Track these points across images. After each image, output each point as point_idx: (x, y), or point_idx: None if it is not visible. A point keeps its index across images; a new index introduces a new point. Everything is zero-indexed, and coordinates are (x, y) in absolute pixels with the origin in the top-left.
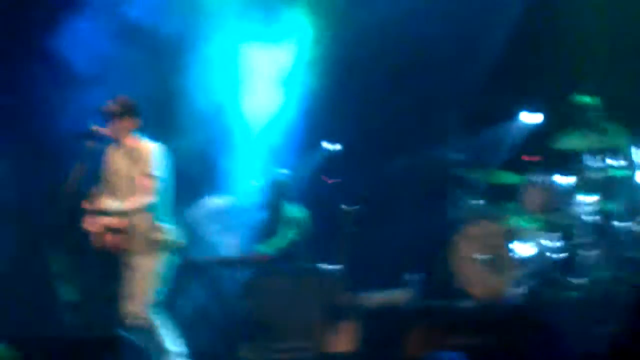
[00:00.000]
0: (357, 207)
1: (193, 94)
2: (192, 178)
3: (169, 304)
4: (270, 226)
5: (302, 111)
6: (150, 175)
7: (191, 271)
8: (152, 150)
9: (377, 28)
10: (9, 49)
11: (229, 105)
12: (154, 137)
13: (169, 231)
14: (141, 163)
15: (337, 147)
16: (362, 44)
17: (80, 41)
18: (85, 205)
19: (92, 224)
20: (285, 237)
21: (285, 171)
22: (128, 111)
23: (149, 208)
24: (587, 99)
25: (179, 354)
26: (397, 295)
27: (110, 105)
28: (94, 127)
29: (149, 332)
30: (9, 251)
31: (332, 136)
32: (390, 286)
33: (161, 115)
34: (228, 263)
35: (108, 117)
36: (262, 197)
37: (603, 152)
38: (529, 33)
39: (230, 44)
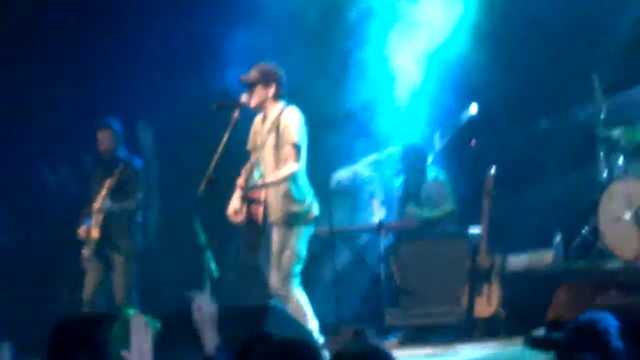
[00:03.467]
0: (496, 169)
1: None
2: (335, 146)
3: (312, 274)
4: (414, 191)
5: (446, 76)
6: (293, 145)
7: (335, 240)
8: (295, 118)
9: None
10: None
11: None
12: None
13: (307, 202)
14: (283, 132)
15: (478, 110)
16: (506, 4)
17: None
18: (239, 182)
19: (236, 202)
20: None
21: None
22: (269, 79)
23: (291, 178)
24: None
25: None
26: (542, 257)
27: (251, 74)
28: (241, 97)
29: (289, 304)
30: (154, 225)
31: (476, 99)
32: (535, 248)
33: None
34: (371, 230)
35: (249, 86)
36: (402, 163)
37: None
38: None
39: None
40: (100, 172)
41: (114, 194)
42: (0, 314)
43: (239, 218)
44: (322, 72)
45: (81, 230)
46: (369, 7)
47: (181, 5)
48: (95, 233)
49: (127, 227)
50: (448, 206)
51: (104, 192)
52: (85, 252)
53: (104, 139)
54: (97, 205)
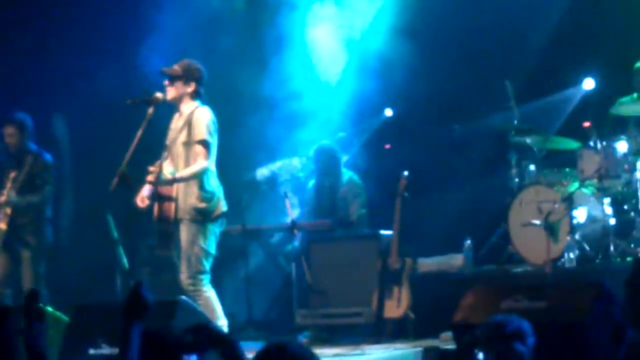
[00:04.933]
0: (409, 172)
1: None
2: (248, 146)
3: (222, 273)
4: (327, 192)
5: (361, 77)
6: (202, 141)
7: (247, 238)
8: (206, 115)
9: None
10: None
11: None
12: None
13: (215, 199)
14: (195, 128)
15: (393, 112)
16: (426, 9)
17: None
18: (148, 178)
19: (145, 192)
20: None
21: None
22: (191, 75)
23: (199, 175)
24: None
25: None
26: (453, 261)
27: (174, 68)
28: (156, 94)
29: (198, 301)
30: (67, 219)
31: (391, 103)
32: (446, 252)
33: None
34: (283, 229)
35: (170, 79)
36: (314, 164)
37: None
38: None
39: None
40: (8, 166)
41: (22, 187)
42: None
43: (144, 204)
44: (246, 61)
45: None
46: None
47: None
48: (2, 226)
49: (35, 221)
50: (357, 211)
51: (9, 185)
52: None
53: (10, 134)
54: (2, 198)
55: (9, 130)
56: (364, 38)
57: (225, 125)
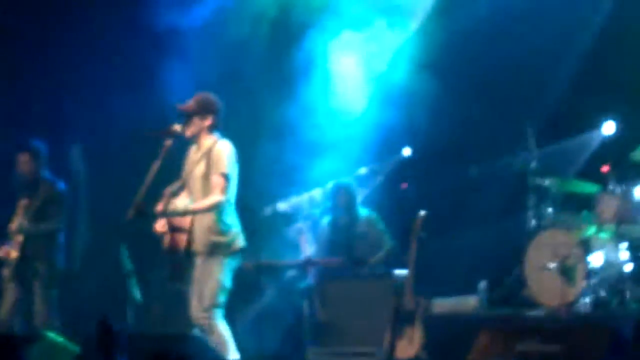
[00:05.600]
0: (426, 212)
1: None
2: (268, 179)
3: (235, 307)
4: (344, 230)
5: (384, 109)
6: (221, 174)
7: (261, 273)
8: (225, 148)
9: (461, 34)
10: None
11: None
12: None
13: (232, 233)
14: (214, 162)
15: (411, 152)
16: (451, 46)
17: None
18: (159, 206)
19: (160, 224)
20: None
21: (362, 171)
22: (206, 109)
23: (216, 208)
24: None
25: None
26: (467, 302)
27: (189, 103)
28: (173, 126)
29: (210, 335)
30: (81, 248)
31: (410, 141)
32: (460, 292)
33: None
34: (297, 266)
35: (186, 116)
36: (330, 201)
37: None
38: (612, 42)
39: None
40: (22, 194)
41: (34, 215)
42: None
43: (165, 243)
44: (269, 87)
45: (1, 251)
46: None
47: (122, 26)
48: (13, 254)
49: (46, 250)
50: (387, 244)
51: (21, 212)
52: (5, 272)
53: (24, 162)
54: (14, 225)
55: (24, 157)
56: (388, 70)
57: (245, 153)
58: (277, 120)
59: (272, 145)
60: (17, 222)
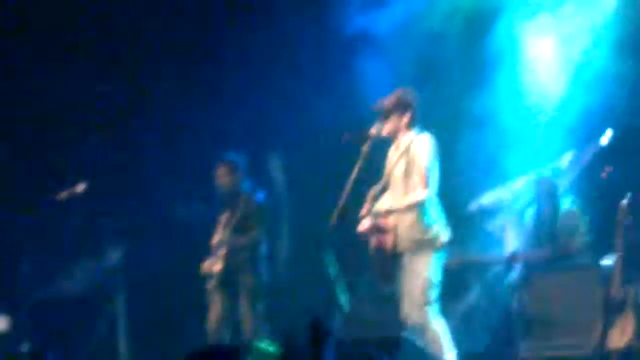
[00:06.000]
0: (631, 197)
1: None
2: (471, 170)
3: (443, 304)
4: (547, 224)
5: (584, 95)
6: (422, 170)
7: (466, 271)
8: (425, 143)
9: None
10: None
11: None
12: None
13: (436, 228)
14: (414, 158)
15: (611, 137)
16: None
17: None
18: (363, 209)
19: (363, 226)
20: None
21: (564, 160)
22: (405, 107)
23: (418, 205)
24: None
25: (455, 357)
26: None
27: (388, 101)
28: (370, 129)
29: (426, 333)
30: (285, 259)
31: (611, 125)
32: None
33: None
34: (503, 261)
35: (383, 115)
36: (534, 195)
37: None
38: None
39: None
40: (223, 207)
41: (236, 228)
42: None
43: (371, 244)
44: (465, 79)
45: (205, 264)
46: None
47: (313, 32)
48: (217, 267)
49: (250, 261)
50: (582, 238)
51: (223, 226)
52: (210, 285)
53: (221, 175)
54: (217, 239)
55: (221, 171)
56: (586, 53)
57: (446, 146)
58: (476, 110)
59: (472, 135)
60: (219, 235)
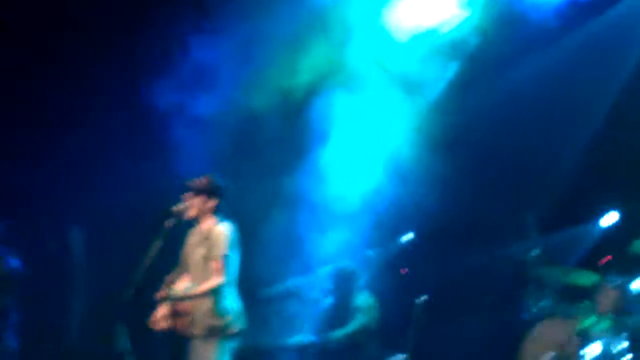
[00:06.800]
0: (427, 298)
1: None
2: (278, 253)
3: None
4: (339, 313)
5: (390, 190)
6: (220, 257)
7: (261, 355)
8: (225, 231)
9: (473, 114)
10: None
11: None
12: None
13: (231, 316)
14: (214, 244)
15: (412, 237)
16: (455, 130)
17: None
18: (160, 293)
19: (161, 311)
20: (356, 323)
21: (368, 253)
22: (214, 192)
23: (215, 292)
24: None
25: None
26: None
27: (199, 181)
28: (178, 207)
29: None
30: (76, 326)
31: (410, 225)
32: None
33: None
34: (295, 349)
35: (194, 193)
36: (330, 283)
37: None
38: (612, 135)
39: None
40: None
41: None
42: None
43: (162, 325)
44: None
45: None
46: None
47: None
48: None
49: None
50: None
51: None
52: None
53: None
54: None
55: None
56: (399, 145)
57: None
58: (290, 190)
59: (283, 216)
60: None
